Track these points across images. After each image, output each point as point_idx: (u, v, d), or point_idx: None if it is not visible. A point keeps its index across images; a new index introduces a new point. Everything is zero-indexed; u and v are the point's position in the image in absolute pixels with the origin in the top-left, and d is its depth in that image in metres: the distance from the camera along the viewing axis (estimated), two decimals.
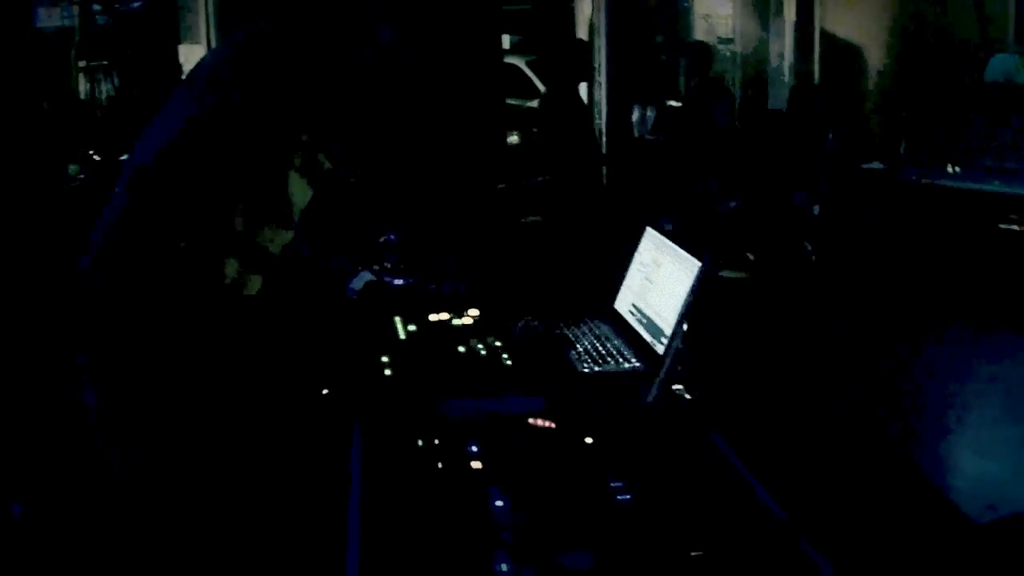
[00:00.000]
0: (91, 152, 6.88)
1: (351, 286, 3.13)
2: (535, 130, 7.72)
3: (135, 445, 2.46)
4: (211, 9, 6.86)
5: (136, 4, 7.02)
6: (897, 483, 3.94)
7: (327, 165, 2.57)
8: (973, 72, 9.38)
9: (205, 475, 2.46)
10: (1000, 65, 9.11)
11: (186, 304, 2.44)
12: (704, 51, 8.87)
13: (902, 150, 8.65)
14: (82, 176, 6.71)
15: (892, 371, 5.77)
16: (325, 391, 2.73)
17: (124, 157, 6.75)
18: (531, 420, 2.40)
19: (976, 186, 7.74)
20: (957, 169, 8.08)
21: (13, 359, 4.51)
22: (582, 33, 9.48)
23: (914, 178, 8.12)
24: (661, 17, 10.55)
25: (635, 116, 8.84)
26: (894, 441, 4.85)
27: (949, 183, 7.94)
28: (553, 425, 2.38)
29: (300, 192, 2.55)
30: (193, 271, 2.44)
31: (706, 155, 8.04)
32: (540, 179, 6.83)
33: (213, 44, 6.89)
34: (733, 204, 7.89)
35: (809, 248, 7.61)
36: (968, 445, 4.90)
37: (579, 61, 7.40)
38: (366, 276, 3.19)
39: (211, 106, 2.49)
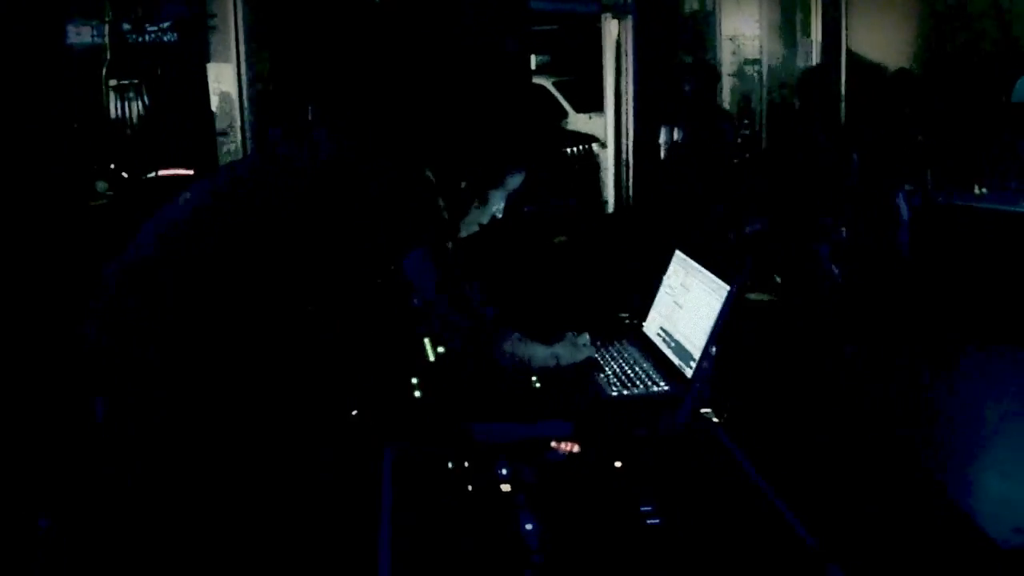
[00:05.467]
0: (118, 169, 6.93)
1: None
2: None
3: (153, 467, 2.48)
4: (241, 29, 6.90)
5: (167, 24, 7.07)
6: (924, 507, 3.93)
7: None
8: (1000, 92, 9.37)
9: (232, 497, 2.48)
10: None
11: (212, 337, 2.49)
12: (709, 72, 8.88)
13: (928, 175, 8.65)
14: (110, 192, 6.76)
15: (920, 392, 5.76)
16: (355, 412, 2.73)
17: (152, 175, 6.82)
18: (560, 444, 2.40)
19: (1003, 207, 7.72)
20: (984, 190, 8.06)
21: (37, 374, 4.55)
22: (608, 54, 9.49)
23: (940, 198, 8.11)
24: (687, 38, 10.55)
25: (663, 137, 8.83)
26: (921, 464, 4.84)
27: (976, 204, 7.93)
28: (577, 448, 2.39)
29: None
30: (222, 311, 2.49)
31: (712, 181, 8.04)
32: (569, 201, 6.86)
33: (243, 64, 6.93)
34: (758, 226, 7.87)
35: (836, 270, 7.59)
36: (994, 467, 4.88)
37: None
38: None
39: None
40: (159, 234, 2.59)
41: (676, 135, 8.47)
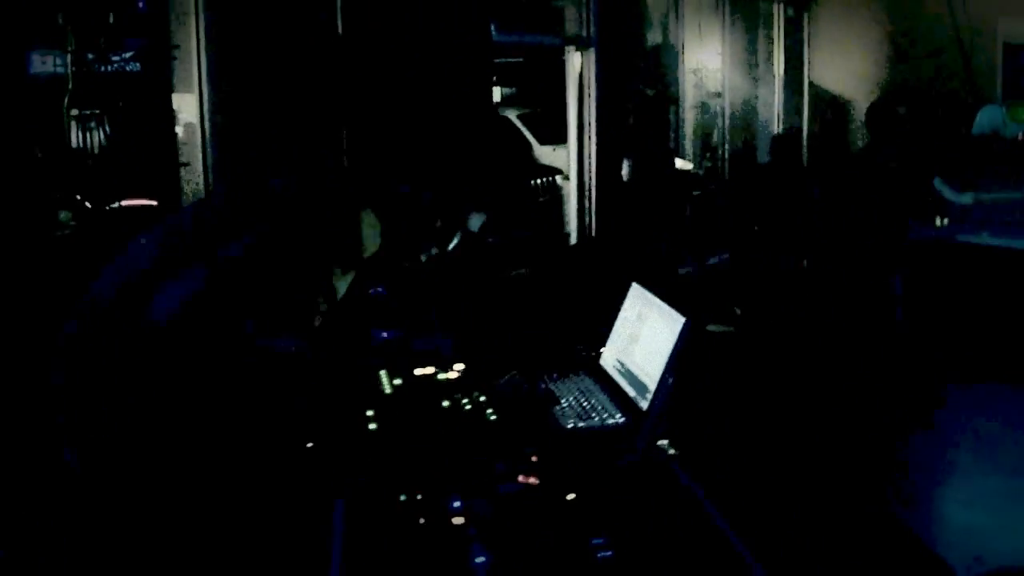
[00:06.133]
0: (82, 199, 6.90)
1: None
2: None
3: (118, 501, 2.47)
4: (203, 60, 6.90)
5: (130, 54, 7.05)
6: (883, 535, 3.94)
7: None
8: (960, 124, 9.44)
9: (188, 526, 2.47)
10: (987, 117, 9.16)
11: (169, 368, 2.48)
12: (653, 104, 8.96)
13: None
14: (73, 223, 6.73)
15: (879, 424, 5.78)
16: (309, 444, 2.72)
17: (115, 205, 6.79)
18: (523, 477, 2.40)
19: (964, 238, 7.77)
20: (945, 221, 8.11)
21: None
22: (571, 86, 9.53)
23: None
24: (650, 71, 10.60)
25: (625, 169, 8.86)
26: (881, 493, 4.86)
27: (937, 235, 7.97)
28: (536, 481, 2.39)
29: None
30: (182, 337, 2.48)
31: (655, 213, 8.07)
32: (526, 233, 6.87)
33: (206, 94, 6.92)
34: (720, 258, 7.91)
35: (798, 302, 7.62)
36: (955, 497, 4.90)
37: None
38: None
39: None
40: (121, 275, 2.60)
41: (625, 168, 8.52)
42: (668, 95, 10.65)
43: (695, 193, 8.74)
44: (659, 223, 8.09)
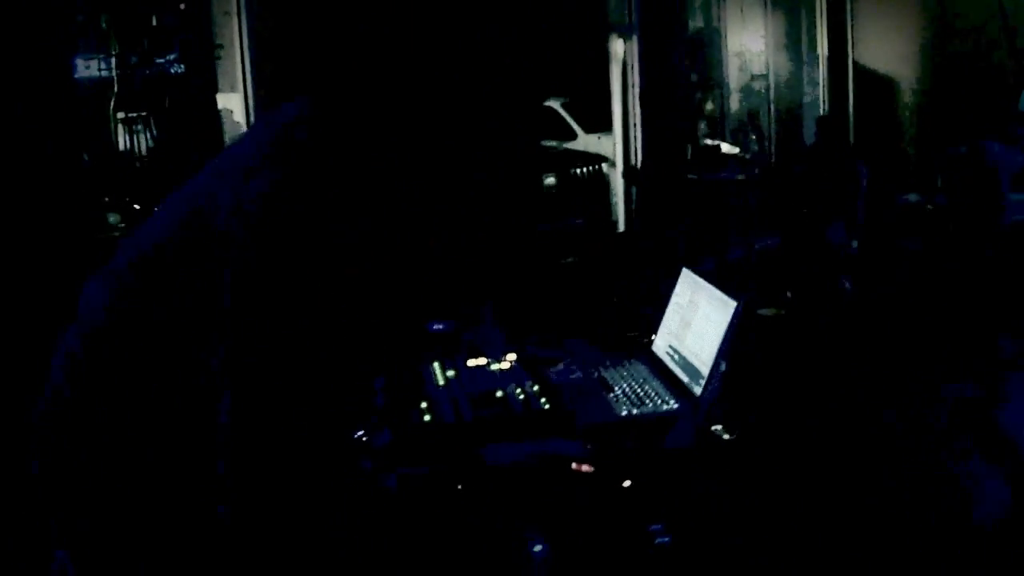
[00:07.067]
0: (130, 201, 6.96)
1: None
2: None
3: None
4: (247, 59, 6.94)
5: (174, 56, 7.10)
6: (932, 521, 3.92)
7: None
8: (1007, 102, 9.37)
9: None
10: None
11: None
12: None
13: (938, 182, 8.67)
14: (122, 225, 6.79)
15: (931, 407, 5.75)
16: (363, 436, 2.72)
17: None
18: (570, 464, 2.40)
19: (1013, 217, 7.73)
20: None
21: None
22: (615, 73, 9.51)
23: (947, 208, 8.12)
24: (693, 55, 10.56)
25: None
26: (931, 477, 4.82)
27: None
28: (592, 469, 2.39)
29: None
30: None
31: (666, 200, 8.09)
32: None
33: (251, 94, 6.97)
34: (769, 241, 7.88)
35: (847, 284, 7.57)
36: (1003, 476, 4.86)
37: None
38: None
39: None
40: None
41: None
42: (711, 79, 10.62)
43: (740, 177, 8.68)
44: (680, 212, 8.10)
